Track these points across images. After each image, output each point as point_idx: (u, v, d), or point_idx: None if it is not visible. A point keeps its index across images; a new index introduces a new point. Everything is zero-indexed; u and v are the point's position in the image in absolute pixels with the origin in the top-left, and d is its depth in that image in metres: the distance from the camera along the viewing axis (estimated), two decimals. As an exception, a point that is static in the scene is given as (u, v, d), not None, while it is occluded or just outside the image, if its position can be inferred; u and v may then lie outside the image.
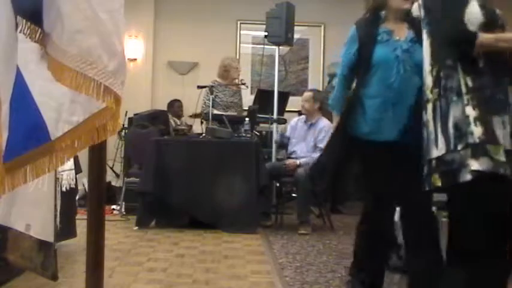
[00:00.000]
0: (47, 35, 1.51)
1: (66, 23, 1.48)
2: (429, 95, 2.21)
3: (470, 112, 2.07)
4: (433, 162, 2.16)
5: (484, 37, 2.15)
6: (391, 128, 2.81)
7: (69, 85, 1.53)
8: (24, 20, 1.46)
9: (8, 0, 1.35)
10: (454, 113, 2.10)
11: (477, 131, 2.06)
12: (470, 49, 2.16)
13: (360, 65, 2.83)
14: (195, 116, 6.66)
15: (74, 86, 1.52)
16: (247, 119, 5.97)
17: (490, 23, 2.23)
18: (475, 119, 2.07)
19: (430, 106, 2.20)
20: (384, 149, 2.74)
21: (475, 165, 2.04)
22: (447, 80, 2.14)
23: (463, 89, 2.10)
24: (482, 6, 2.25)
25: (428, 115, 2.20)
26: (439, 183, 2.15)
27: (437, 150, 2.14)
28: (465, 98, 2.09)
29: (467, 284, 2.14)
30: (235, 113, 6.45)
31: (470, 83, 2.11)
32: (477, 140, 2.05)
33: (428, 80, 2.22)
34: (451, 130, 2.10)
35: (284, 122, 6.81)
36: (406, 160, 2.59)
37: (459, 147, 2.07)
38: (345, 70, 2.97)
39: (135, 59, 8.17)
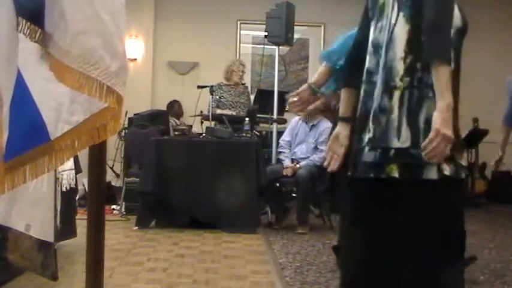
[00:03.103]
0: (49, 36, 1.51)
1: (70, 24, 1.48)
2: (398, 82, 2.10)
3: None
4: (392, 151, 2.08)
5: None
6: None
7: (72, 85, 1.53)
8: (24, 20, 1.46)
9: (10, 0, 1.36)
10: (427, 109, 2.04)
11: None
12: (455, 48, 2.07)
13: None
14: (196, 116, 6.66)
15: (77, 86, 1.53)
16: (247, 119, 5.97)
17: (463, 31, 2.16)
18: None
19: (397, 93, 2.10)
20: None
21: (446, 169, 2.03)
22: (424, 73, 2.06)
23: None
24: (460, 9, 2.14)
25: (393, 102, 2.10)
26: (396, 175, 2.07)
27: (399, 141, 2.07)
28: None
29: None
30: (241, 113, 6.45)
31: None
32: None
33: (400, 67, 2.10)
34: (421, 125, 2.04)
35: (284, 122, 6.81)
36: None
37: None
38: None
39: (135, 59, 8.17)
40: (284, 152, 5.96)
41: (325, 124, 5.91)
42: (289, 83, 8.49)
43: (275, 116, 6.56)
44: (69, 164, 4.03)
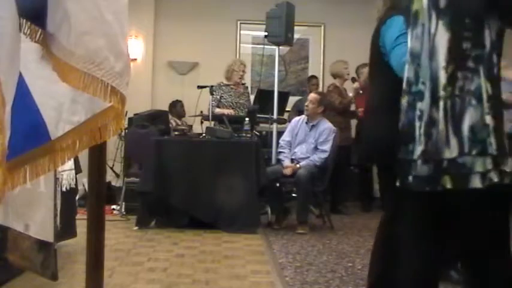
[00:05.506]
0: (51, 36, 1.51)
1: (74, 24, 1.48)
2: (441, 92, 2.08)
3: (490, 122, 2.04)
4: (444, 162, 2.09)
5: None
6: None
7: (77, 86, 1.53)
8: (24, 20, 1.46)
9: (13, 1, 1.35)
10: (471, 117, 2.04)
11: (494, 142, 2.04)
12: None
13: None
14: (196, 116, 6.66)
15: (82, 86, 1.53)
16: (247, 119, 5.96)
17: None
18: (493, 130, 2.05)
19: (441, 104, 2.08)
20: None
21: (494, 177, 2.05)
22: (465, 81, 2.05)
23: (484, 96, 2.05)
24: None
25: (439, 113, 2.09)
26: (450, 186, 2.08)
27: (449, 151, 2.07)
28: (485, 105, 2.05)
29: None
30: (241, 114, 6.44)
31: (490, 90, 2.06)
32: (495, 152, 2.04)
33: (442, 77, 2.08)
34: (465, 133, 2.04)
35: (284, 122, 6.81)
36: None
37: (473, 152, 2.04)
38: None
39: (135, 59, 8.16)
40: (284, 152, 5.96)
41: (325, 124, 5.91)
42: (289, 83, 8.50)
43: (275, 116, 6.56)
44: (69, 164, 4.04)
